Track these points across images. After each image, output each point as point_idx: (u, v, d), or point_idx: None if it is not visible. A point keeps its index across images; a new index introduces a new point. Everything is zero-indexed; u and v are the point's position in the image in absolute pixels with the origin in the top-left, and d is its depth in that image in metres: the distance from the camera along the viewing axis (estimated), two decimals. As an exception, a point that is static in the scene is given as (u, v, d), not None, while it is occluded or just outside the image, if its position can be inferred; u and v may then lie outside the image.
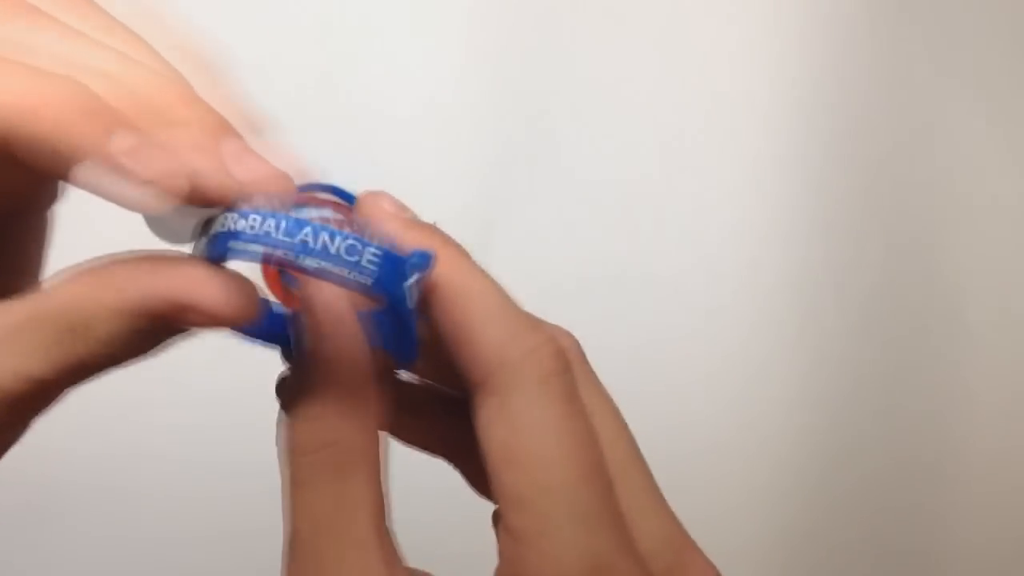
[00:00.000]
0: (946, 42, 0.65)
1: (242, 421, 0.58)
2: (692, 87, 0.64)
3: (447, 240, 0.22)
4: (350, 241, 0.18)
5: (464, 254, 0.22)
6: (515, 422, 0.20)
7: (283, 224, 0.18)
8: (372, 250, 0.19)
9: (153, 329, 0.19)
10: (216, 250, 0.19)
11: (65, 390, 0.20)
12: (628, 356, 0.60)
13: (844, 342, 0.62)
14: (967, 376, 0.63)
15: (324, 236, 0.18)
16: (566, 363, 0.21)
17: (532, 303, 0.24)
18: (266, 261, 0.19)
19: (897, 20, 0.65)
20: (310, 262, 0.18)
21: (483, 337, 0.21)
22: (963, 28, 0.65)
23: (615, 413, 0.23)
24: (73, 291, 0.19)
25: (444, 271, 0.21)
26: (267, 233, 0.18)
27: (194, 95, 0.20)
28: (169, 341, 0.20)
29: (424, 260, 0.20)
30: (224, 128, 0.20)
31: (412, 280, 0.19)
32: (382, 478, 0.21)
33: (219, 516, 0.57)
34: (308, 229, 0.18)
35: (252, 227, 0.18)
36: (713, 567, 0.22)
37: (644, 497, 0.22)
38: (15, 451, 0.23)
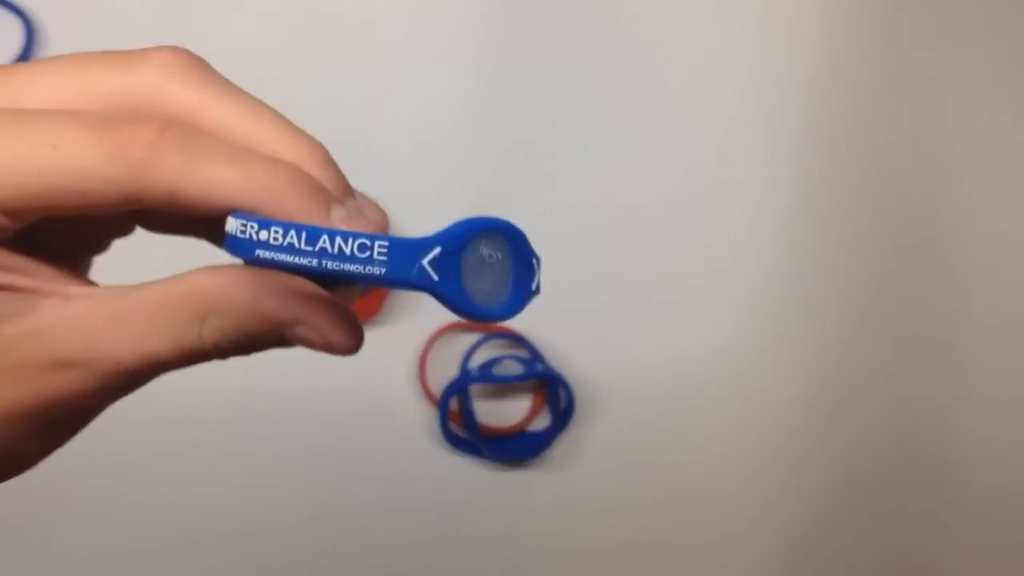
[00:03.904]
0: (946, 42, 0.65)
1: (243, 429, 0.58)
2: (693, 89, 0.64)
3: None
4: (361, 240, 0.20)
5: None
6: None
7: (303, 234, 0.20)
8: (380, 243, 0.20)
9: (268, 337, 0.22)
10: (241, 254, 0.20)
11: (162, 374, 0.21)
12: (628, 354, 0.60)
13: (847, 342, 0.62)
14: (970, 374, 0.63)
15: (339, 240, 0.20)
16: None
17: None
18: (290, 269, 0.20)
19: (897, 20, 0.65)
20: (331, 266, 0.20)
21: None
22: (963, 28, 0.65)
23: None
24: (210, 282, 0.21)
25: None
26: (291, 245, 0.20)
27: (334, 163, 0.23)
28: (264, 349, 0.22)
29: (453, 235, 0.21)
30: (348, 187, 0.23)
31: (429, 258, 0.20)
32: None
33: (218, 517, 0.57)
34: (324, 236, 0.20)
35: (276, 239, 0.20)
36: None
37: None
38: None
